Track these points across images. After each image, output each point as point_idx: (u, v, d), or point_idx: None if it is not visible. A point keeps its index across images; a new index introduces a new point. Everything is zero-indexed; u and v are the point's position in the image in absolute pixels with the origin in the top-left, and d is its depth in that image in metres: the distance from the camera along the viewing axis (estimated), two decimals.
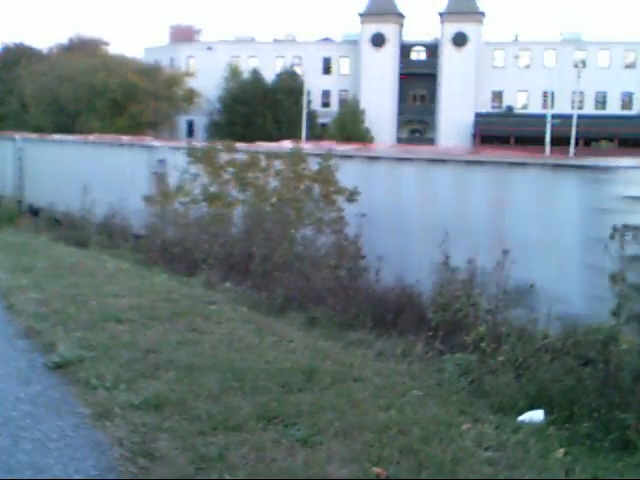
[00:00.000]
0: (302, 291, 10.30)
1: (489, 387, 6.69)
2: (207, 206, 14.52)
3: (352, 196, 13.03)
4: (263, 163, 14.25)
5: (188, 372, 6.60)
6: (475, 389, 6.79)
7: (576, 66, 75.93)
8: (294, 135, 65.67)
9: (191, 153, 15.28)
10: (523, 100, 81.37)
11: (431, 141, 79.27)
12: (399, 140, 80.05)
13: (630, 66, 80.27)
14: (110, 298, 9.81)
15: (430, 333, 8.38)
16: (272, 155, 14.21)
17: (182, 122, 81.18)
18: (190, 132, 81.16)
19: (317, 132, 73.55)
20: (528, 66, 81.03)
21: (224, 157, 14.95)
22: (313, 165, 13.48)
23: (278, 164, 13.93)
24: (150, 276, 12.37)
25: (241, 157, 14.75)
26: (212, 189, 14.64)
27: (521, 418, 6.09)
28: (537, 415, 6.12)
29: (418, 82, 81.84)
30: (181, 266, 13.48)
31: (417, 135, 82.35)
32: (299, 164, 13.85)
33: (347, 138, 71.33)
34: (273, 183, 13.79)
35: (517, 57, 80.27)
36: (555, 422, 6.00)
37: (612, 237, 7.02)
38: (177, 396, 5.96)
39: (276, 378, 6.52)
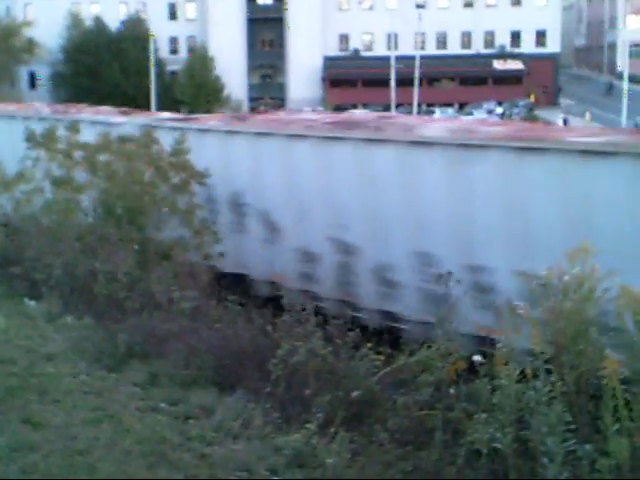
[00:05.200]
0: (144, 334, 9.49)
1: None
2: (53, 193, 13.89)
3: (202, 179, 13.67)
4: (114, 145, 14.20)
5: None
6: None
7: (418, 7, 78.09)
8: (142, 84, 64.74)
9: (30, 138, 14.37)
10: (368, 42, 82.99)
11: (281, 86, 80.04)
12: (252, 86, 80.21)
13: (468, 5, 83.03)
14: None
15: (268, 390, 7.75)
16: (124, 138, 14.28)
17: (23, 74, 77.93)
18: (32, 84, 78.19)
19: (167, 80, 72.66)
20: (371, 8, 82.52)
21: (68, 138, 14.66)
22: (168, 140, 13.68)
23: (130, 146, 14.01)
24: None
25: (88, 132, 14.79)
26: (57, 173, 14.00)
27: None
28: None
29: (266, 27, 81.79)
30: (23, 286, 12.29)
31: (268, 80, 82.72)
32: (151, 146, 13.98)
33: (198, 86, 71.10)
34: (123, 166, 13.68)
35: (360, 2, 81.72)
36: None
37: None
38: None
39: None
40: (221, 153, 14.28)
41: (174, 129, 15.20)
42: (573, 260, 5.99)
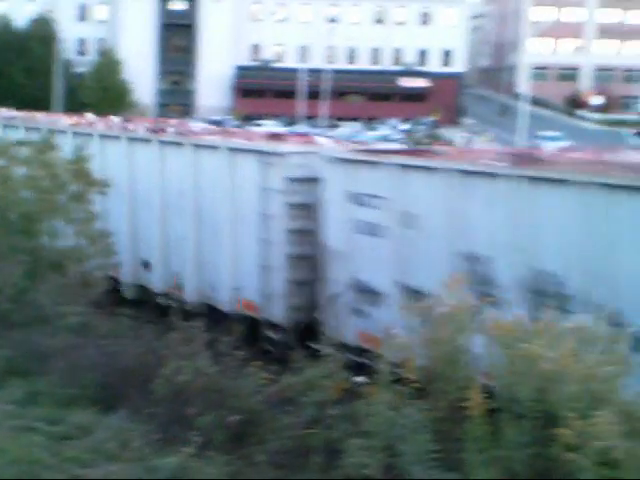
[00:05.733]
0: (27, 350, 9.29)
1: None
2: None
3: (104, 188, 13.47)
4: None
5: None
6: None
7: (330, 21, 78.81)
8: (47, 85, 63.10)
9: None
10: (280, 54, 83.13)
11: (191, 93, 79.41)
12: (161, 92, 79.25)
13: (379, 21, 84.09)
14: None
15: (151, 410, 7.63)
16: (21, 142, 13.92)
17: None
18: None
19: (73, 82, 70.95)
20: (284, 20, 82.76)
21: None
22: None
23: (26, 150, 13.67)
24: None
25: None
26: None
27: None
28: None
29: (178, 33, 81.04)
30: None
31: (177, 87, 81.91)
32: (47, 152, 13.63)
33: (104, 89, 69.76)
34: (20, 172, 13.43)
35: (273, 14, 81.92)
36: None
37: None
38: None
39: None
40: (511, 210, 9.75)
41: (422, 169, 11.39)
42: (451, 290, 6.21)
